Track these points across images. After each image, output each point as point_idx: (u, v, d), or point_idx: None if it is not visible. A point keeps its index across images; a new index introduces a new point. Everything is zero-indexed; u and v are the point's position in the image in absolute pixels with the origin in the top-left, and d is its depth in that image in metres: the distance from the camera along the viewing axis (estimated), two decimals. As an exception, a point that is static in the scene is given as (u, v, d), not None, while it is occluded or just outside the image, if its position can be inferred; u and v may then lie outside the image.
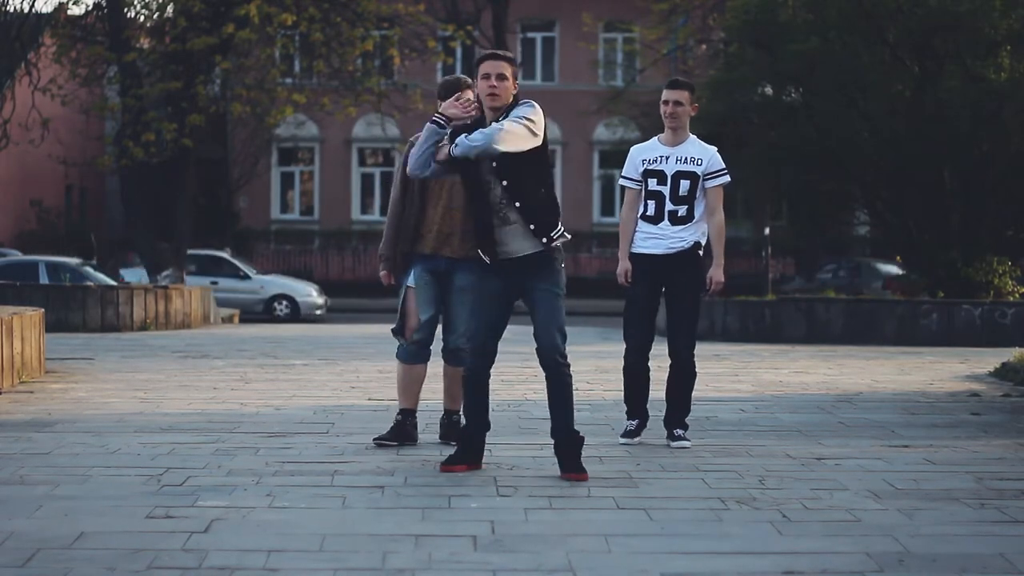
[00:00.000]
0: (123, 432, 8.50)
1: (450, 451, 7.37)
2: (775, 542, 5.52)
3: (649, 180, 8.23)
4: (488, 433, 7.31)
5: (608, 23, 42.46)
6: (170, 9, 29.49)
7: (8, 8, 29.32)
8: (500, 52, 7.24)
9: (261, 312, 31.20)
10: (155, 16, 30.25)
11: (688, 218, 8.18)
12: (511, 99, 7.06)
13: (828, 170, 22.20)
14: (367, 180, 43.90)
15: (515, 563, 5.12)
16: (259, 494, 6.40)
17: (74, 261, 26.50)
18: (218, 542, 5.40)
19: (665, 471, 7.20)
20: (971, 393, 11.36)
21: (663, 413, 8.35)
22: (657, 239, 8.19)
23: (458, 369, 7.83)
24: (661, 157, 8.25)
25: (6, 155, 31.44)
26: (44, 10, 32.04)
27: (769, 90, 23.63)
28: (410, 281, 7.96)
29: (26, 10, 29.50)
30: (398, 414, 8.08)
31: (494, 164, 6.96)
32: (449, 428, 8.10)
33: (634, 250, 8.27)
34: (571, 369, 7.05)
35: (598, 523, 5.83)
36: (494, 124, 6.94)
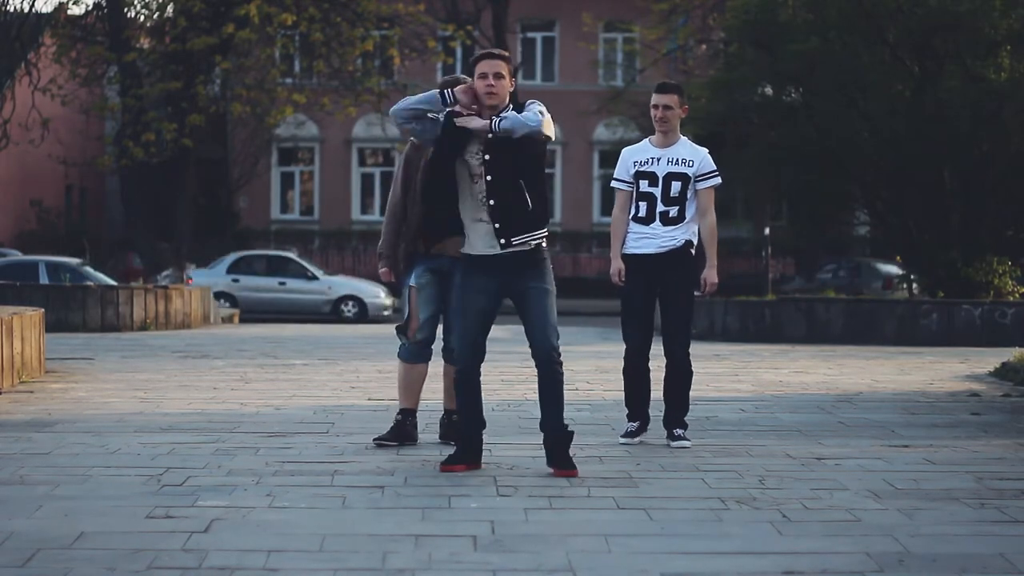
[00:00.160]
0: (123, 432, 8.50)
1: (450, 451, 7.37)
2: (775, 542, 5.52)
3: (640, 182, 8.25)
4: (488, 433, 7.32)
5: (608, 23, 42.46)
6: (170, 9, 29.51)
7: (8, 8, 29.32)
8: (496, 51, 7.26)
9: (328, 313, 31.04)
10: (155, 16, 30.28)
11: (679, 219, 8.20)
12: (508, 97, 7.09)
13: (828, 170, 22.19)
14: (367, 180, 43.91)
15: (515, 563, 5.12)
16: (259, 494, 6.40)
17: (74, 261, 26.49)
18: (218, 542, 5.40)
19: (665, 471, 7.20)
20: (971, 393, 11.36)
21: (662, 413, 8.35)
22: (649, 239, 8.21)
23: (457, 369, 7.84)
24: (652, 159, 8.27)
25: (6, 155, 31.44)
26: (44, 10, 32.05)
27: (769, 90, 23.63)
28: (412, 280, 7.96)
29: (26, 10, 29.50)
30: (398, 414, 8.08)
31: (486, 157, 6.97)
32: (449, 428, 8.10)
33: (626, 251, 8.28)
34: (563, 367, 7.08)
35: (598, 523, 5.83)
36: (533, 107, 7.01)
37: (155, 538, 5.44)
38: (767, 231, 32.48)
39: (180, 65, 29.11)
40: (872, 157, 21.89)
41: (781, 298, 22.57)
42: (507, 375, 12.02)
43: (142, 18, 30.65)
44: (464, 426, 7.18)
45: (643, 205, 8.24)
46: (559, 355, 7.06)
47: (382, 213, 33.57)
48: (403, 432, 8.02)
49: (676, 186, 8.19)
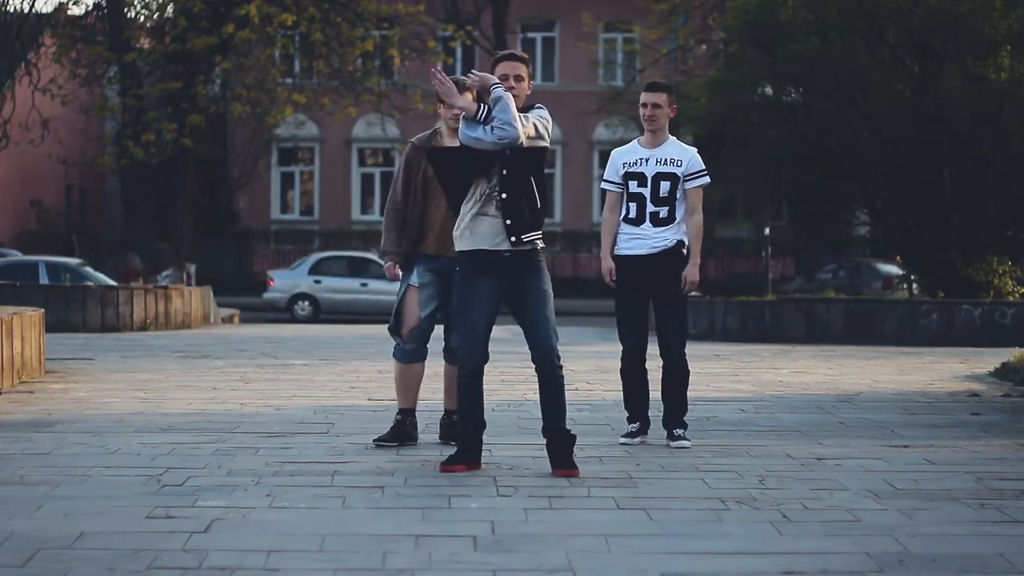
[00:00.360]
0: (123, 432, 8.50)
1: (450, 451, 7.37)
2: (775, 542, 5.52)
3: (630, 183, 8.25)
4: (488, 433, 7.32)
5: (608, 23, 42.47)
6: (170, 9, 29.52)
7: (8, 8, 29.33)
8: (516, 53, 7.31)
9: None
10: (155, 16, 30.28)
11: (669, 219, 8.21)
12: (525, 99, 7.12)
13: (828, 170, 22.20)
14: (367, 180, 43.90)
15: (515, 563, 5.12)
16: (259, 494, 6.40)
17: (74, 261, 26.49)
18: (218, 542, 5.40)
19: (665, 471, 7.20)
20: (971, 393, 11.36)
21: (661, 414, 8.35)
22: (640, 239, 8.21)
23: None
24: (641, 159, 8.27)
25: (6, 155, 31.45)
26: (44, 10, 32.07)
27: (769, 90, 23.63)
28: (412, 280, 7.96)
29: (26, 10, 29.51)
30: (398, 414, 8.08)
31: (505, 151, 6.99)
32: (449, 428, 8.09)
33: (618, 252, 8.28)
34: (563, 369, 7.08)
35: (598, 523, 5.83)
36: (536, 111, 7.06)
37: (155, 538, 5.44)
38: (767, 231, 32.48)
39: (180, 65, 29.11)
40: (872, 157, 21.89)
41: (781, 298, 22.58)
42: (507, 375, 12.02)
43: (142, 18, 30.66)
44: (465, 426, 7.18)
45: (633, 206, 8.24)
46: (559, 359, 7.06)
47: (382, 213, 33.57)
48: (403, 432, 8.02)
49: (665, 186, 8.20)
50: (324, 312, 31.01)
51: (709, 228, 41.39)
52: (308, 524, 5.75)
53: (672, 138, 8.39)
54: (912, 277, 23.14)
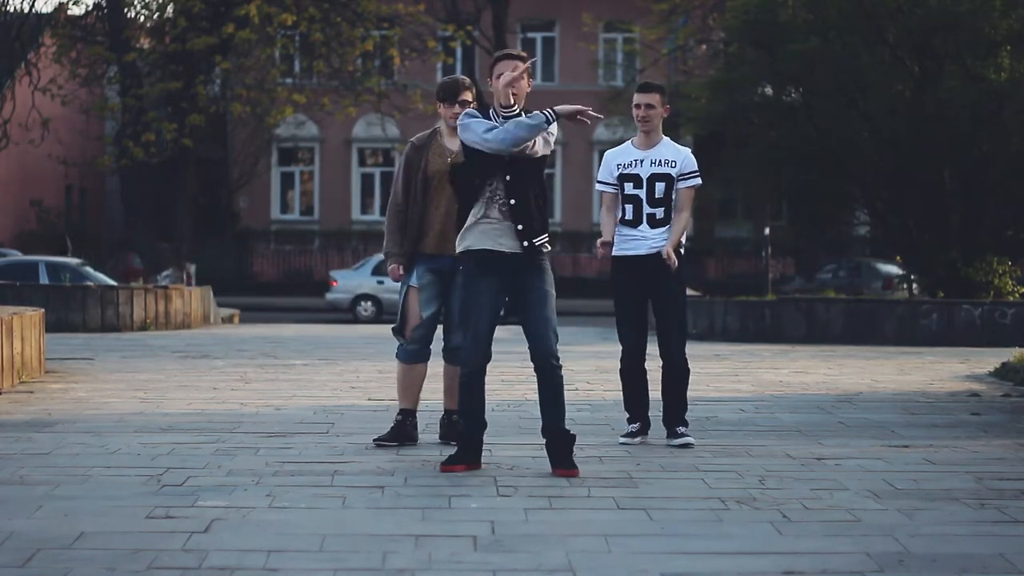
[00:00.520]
0: (123, 432, 8.50)
1: (450, 451, 7.37)
2: (775, 542, 5.52)
3: (625, 184, 8.25)
4: (488, 433, 7.32)
5: (608, 23, 42.47)
6: (170, 9, 29.52)
7: (8, 8, 29.33)
8: (516, 52, 7.29)
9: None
10: (155, 16, 30.28)
11: (666, 220, 8.22)
12: (524, 98, 7.12)
13: (828, 170, 22.19)
14: (367, 180, 43.91)
15: (515, 563, 5.12)
16: (259, 494, 6.40)
17: (74, 261, 26.49)
18: (218, 542, 5.40)
19: (665, 471, 7.20)
20: (971, 393, 11.36)
21: (661, 414, 8.35)
22: (638, 241, 8.21)
23: (458, 369, 7.83)
24: (636, 161, 8.27)
25: (6, 155, 31.45)
26: (44, 10, 32.06)
27: (769, 90, 23.62)
28: (412, 280, 7.96)
29: (26, 10, 29.51)
30: (398, 414, 8.08)
31: (507, 156, 7.00)
32: (449, 428, 8.10)
33: (616, 253, 8.28)
34: (563, 369, 7.08)
35: (598, 523, 5.83)
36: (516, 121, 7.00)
37: (155, 538, 5.44)
38: (767, 231, 32.48)
39: (180, 65, 29.11)
40: (872, 157, 21.88)
41: (781, 298, 22.57)
42: (507, 375, 12.02)
43: (142, 18, 30.66)
44: (466, 426, 7.18)
45: (629, 208, 8.24)
46: (558, 360, 7.06)
47: (382, 213, 33.27)
48: (403, 432, 8.02)
49: (660, 187, 8.20)
50: (387, 312, 30.70)
51: (709, 228, 41.67)
52: (308, 524, 5.75)
53: (666, 138, 8.38)
54: (912, 277, 23.14)
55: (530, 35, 43.31)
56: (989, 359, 14.36)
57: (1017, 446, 8.31)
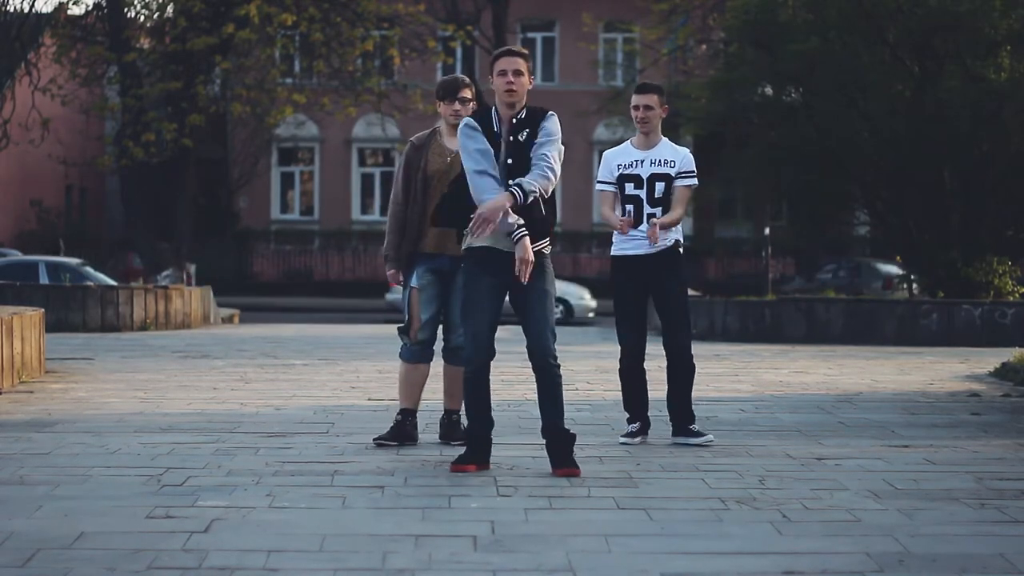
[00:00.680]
0: (123, 432, 8.50)
1: (450, 451, 7.37)
2: (775, 542, 5.52)
3: (626, 185, 8.27)
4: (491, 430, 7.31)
5: (608, 23, 42.47)
6: (170, 9, 29.52)
7: (8, 8, 29.33)
8: (515, 48, 7.27)
9: None
10: (155, 16, 30.29)
11: None
12: (526, 96, 7.11)
13: (828, 170, 22.19)
14: (367, 180, 43.90)
15: (515, 563, 5.12)
16: (259, 494, 6.40)
17: (74, 261, 26.49)
18: (218, 542, 5.40)
19: (665, 471, 7.20)
20: (971, 393, 11.36)
21: (666, 412, 8.36)
22: (638, 240, 8.22)
23: (458, 369, 7.83)
24: (636, 161, 8.29)
25: (6, 155, 31.45)
26: (44, 10, 32.07)
27: (769, 90, 23.63)
28: (413, 281, 7.96)
29: (26, 10, 29.50)
30: (398, 414, 8.08)
31: (508, 162, 7.00)
32: (449, 428, 8.10)
33: (616, 253, 8.30)
34: (561, 368, 7.08)
35: (598, 523, 5.83)
36: (543, 164, 6.96)
37: (155, 538, 5.44)
38: (767, 231, 32.48)
39: (180, 65, 29.12)
40: (872, 157, 21.88)
41: (781, 298, 22.57)
42: (507, 375, 12.02)
43: (142, 18, 30.67)
44: (474, 426, 7.16)
45: (630, 208, 8.26)
46: (556, 359, 7.06)
47: (382, 213, 33.21)
48: (403, 432, 8.02)
49: (660, 187, 8.23)
50: None
51: (709, 228, 41.65)
52: (308, 524, 5.75)
53: (665, 139, 8.40)
54: (912, 277, 23.14)
55: (530, 35, 43.30)
56: (989, 359, 14.36)
57: (1017, 446, 8.31)
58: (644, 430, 8.30)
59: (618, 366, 8.41)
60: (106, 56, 29.32)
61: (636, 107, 8.31)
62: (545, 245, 7.10)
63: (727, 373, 13.11)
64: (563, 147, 7.18)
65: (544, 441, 7.14)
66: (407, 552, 5.26)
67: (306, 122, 40.35)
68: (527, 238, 6.92)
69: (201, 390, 11.14)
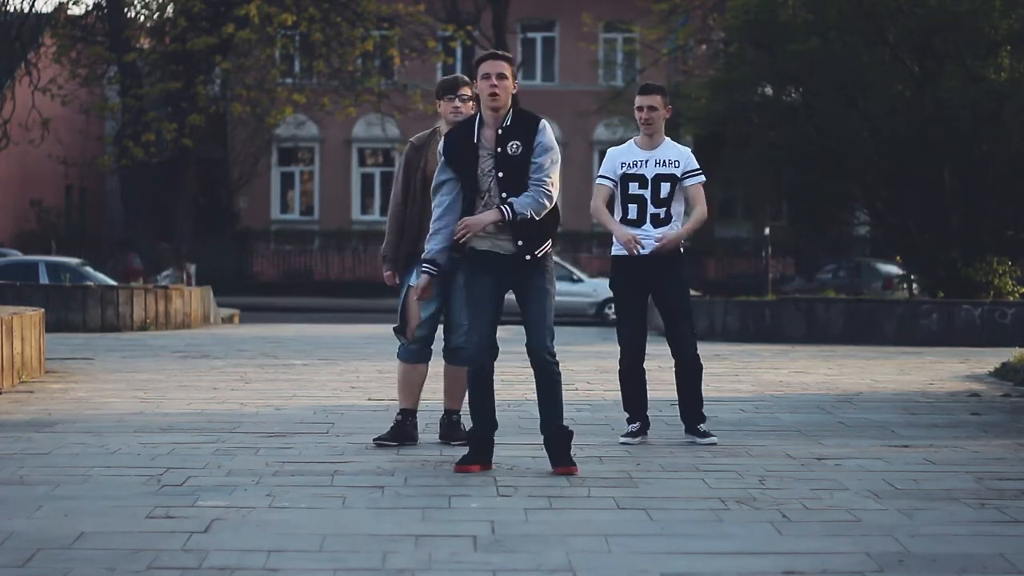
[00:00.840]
0: (123, 432, 8.50)
1: (450, 451, 7.36)
2: (775, 542, 5.52)
3: (630, 184, 8.26)
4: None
5: (608, 23, 42.46)
6: (170, 9, 29.53)
7: (8, 8, 29.33)
8: (499, 52, 7.26)
9: (593, 316, 30.38)
10: (155, 16, 30.30)
11: (667, 220, 8.25)
12: (510, 100, 7.09)
13: (828, 170, 22.19)
14: (367, 180, 43.90)
15: (515, 563, 5.12)
16: (259, 494, 6.40)
17: (74, 261, 26.50)
18: (218, 542, 5.40)
19: (665, 471, 7.20)
20: (971, 393, 11.35)
21: (666, 412, 8.36)
22: (641, 240, 8.21)
23: (459, 369, 7.83)
24: (640, 161, 8.29)
25: (6, 155, 31.45)
26: (44, 10, 32.07)
27: (769, 90, 23.63)
28: (412, 280, 7.95)
29: (26, 10, 29.51)
30: (398, 414, 8.08)
31: (499, 175, 6.98)
32: (449, 428, 8.10)
33: (617, 253, 8.30)
34: (560, 366, 7.09)
35: (598, 523, 5.83)
36: (541, 188, 6.99)
37: (155, 538, 5.44)
38: (767, 231, 32.49)
39: (180, 65, 29.12)
40: (872, 157, 21.88)
41: (781, 298, 22.57)
42: (507, 375, 12.01)
43: (142, 18, 30.68)
44: (478, 426, 7.15)
45: (633, 208, 8.26)
46: (554, 356, 7.06)
47: (382, 213, 33.10)
48: (403, 432, 8.01)
49: (665, 188, 8.25)
50: (510, 315, 30.04)
51: (709, 228, 41.59)
52: (308, 524, 5.75)
53: (668, 139, 8.41)
54: (912, 277, 23.14)
55: (530, 35, 43.30)
56: (989, 359, 14.35)
57: (1017, 446, 8.31)
58: (644, 430, 8.30)
59: (618, 366, 8.41)
60: (106, 56, 29.33)
61: (640, 108, 8.31)
62: (546, 249, 7.09)
63: (727, 373, 13.11)
64: (558, 150, 7.17)
65: (542, 442, 7.14)
66: (407, 552, 5.26)
67: (306, 122, 40.35)
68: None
69: (201, 390, 11.14)
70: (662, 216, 8.23)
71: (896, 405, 10.45)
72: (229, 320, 26.57)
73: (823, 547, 5.41)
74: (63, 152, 33.48)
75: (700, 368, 8.36)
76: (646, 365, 8.37)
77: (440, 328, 8.07)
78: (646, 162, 8.28)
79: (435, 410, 8.72)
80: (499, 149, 6.99)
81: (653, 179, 8.24)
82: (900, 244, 23.70)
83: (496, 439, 7.23)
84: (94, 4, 30.27)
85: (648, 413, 8.37)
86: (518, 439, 8.21)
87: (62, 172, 36.36)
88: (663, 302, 8.29)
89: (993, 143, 21.13)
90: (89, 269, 25.75)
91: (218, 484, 6.65)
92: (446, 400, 8.13)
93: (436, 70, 36.68)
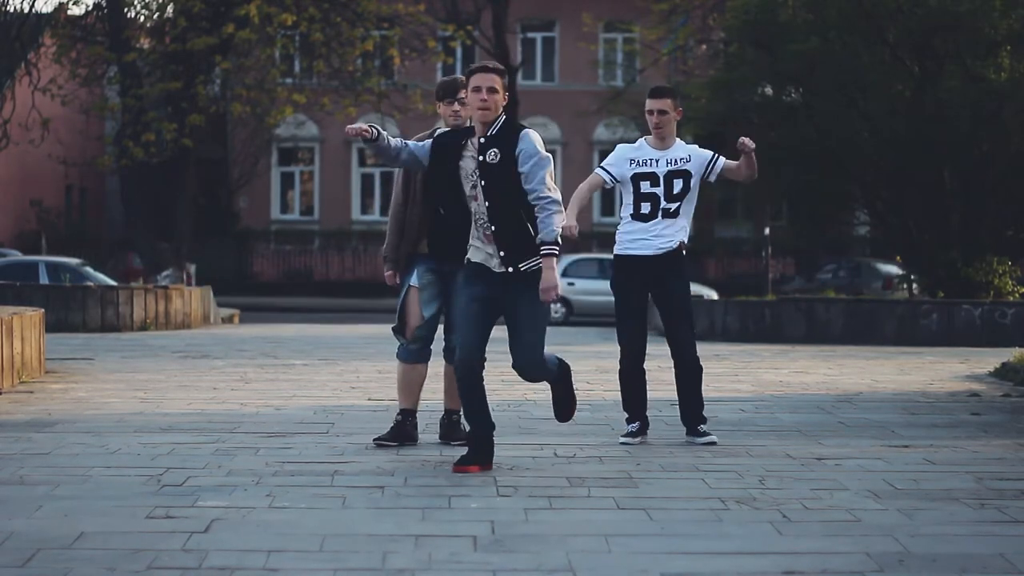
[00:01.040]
0: (123, 432, 8.50)
1: (450, 451, 7.37)
2: (775, 542, 5.52)
3: (641, 183, 8.26)
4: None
5: (608, 23, 42.47)
6: (170, 9, 29.53)
7: (8, 8, 29.34)
8: (490, 64, 7.20)
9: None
10: (155, 16, 30.31)
11: (676, 213, 8.26)
12: (501, 111, 7.07)
13: (828, 170, 22.20)
14: (367, 180, 43.91)
15: (515, 563, 5.12)
16: (259, 494, 6.40)
17: (74, 261, 26.49)
18: (218, 542, 5.40)
19: (665, 471, 7.20)
20: (971, 393, 11.36)
21: (666, 412, 8.36)
22: (645, 240, 8.22)
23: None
24: (651, 160, 8.30)
25: (6, 155, 31.45)
26: (44, 10, 32.07)
27: (769, 90, 23.63)
28: (412, 280, 7.96)
29: (26, 10, 29.52)
30: (398, 414, 8.08)
31: (483, 183, 6.98)
32: (449, 428, 8.10)
33: (621, 252, 8.29)
34: (552, 376, 7.16)
35: (598, 523, 5.83)
36: (543, 204, 6.96)
37: (155, 538, 5.44)
38: (767, 231, 32.49)
39: (180, 65, 29.13)
40: (872, 157, 21.89)
41: (781, 298, 22.57)
42: (507, 375, 11.96)
43: (142, 18, 30.68)
44: (475, 427, 7.15)
45: (646, 205, 8.27)
46: (538, 367, 7.17)
47: (382, 213, 33.11)
48: (403, 432, 8.01)
49: (679, 184, 8.27)
50: (577, 314, 29.83)
51: (709, 228, 41.64)
52: (308, 524, 5.75)
53: (678, 140, 8.42)
54: (912, 277, 23.14)
55: (530, 35, 43.31)
56: (989, 359, 14.36)
57: (1017, 446, 8.31)
58: (644, 430, 8.30)
59: (618, 366, 8.41)
60: (106, 56, 29.33)
61: (651, 112, 8.31)
62: (535, 264, 7.04)
63: (727, 373, 13.11)
64: (550, 155, 7.13)
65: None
66: (407, 552, 5.26)
67: (306, 122, 40.36)
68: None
69: (201, 390, 11.14)
70: (672, 210, 8.25)
71: (896, 405, 10.45)
72: (229, 320, 26.57)
73: (823, 547, 5.41)
74: (63, 152, 33.48)
75: (700, 370, 8.37)
76: (646, 365, 8.37)
77: (440, 328, 8.08)
78: (657, 161, 8.30)
79: (435, 410, 8.72)
80: (480, 157, 7.00)
81: (665, 176, 8.26)
82: (900, 244, 23.70)
83: (496, 439, 7.23)
84: (94, 4, 30.27)
85: (648, 413, 8.37)
86: (518, 439, 8.21)
87: (62, 172, 36.36)
88: (668, 303, 8.29)
89: (993, 143, 21.14)
90: (89, 269, 25.75)
91: (218, 484, 6.65)
92: (446, 400, 8.13)
93: (436, 70, 36.69)
